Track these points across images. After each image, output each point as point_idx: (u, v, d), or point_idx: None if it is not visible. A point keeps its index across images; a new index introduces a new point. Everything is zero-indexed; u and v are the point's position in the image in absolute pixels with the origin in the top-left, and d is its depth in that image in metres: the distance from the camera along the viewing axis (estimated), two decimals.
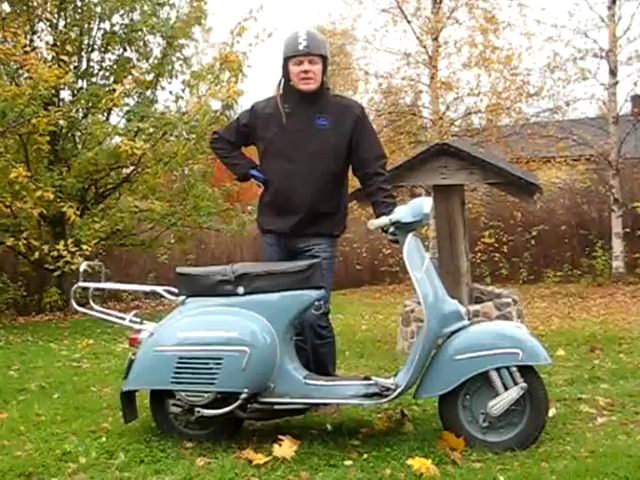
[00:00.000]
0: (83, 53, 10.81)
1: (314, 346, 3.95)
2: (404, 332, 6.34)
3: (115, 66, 10.85)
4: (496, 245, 13.73)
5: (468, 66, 13.79)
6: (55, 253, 8.93)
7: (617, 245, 12.53)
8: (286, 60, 3.94)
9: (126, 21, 10.76)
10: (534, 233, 13.69)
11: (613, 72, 12.60)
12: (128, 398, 3.69)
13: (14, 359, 6.54)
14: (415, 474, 3.00)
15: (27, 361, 6.42)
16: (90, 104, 10.18)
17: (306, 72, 3.88)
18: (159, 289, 3.88)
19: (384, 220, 3.54)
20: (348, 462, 3.20)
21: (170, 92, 11.17)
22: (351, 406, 3.93)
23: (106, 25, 10.79)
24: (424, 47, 13.88)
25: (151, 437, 3.64)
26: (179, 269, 3.78)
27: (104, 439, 3.67)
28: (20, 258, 10.96)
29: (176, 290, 3.76)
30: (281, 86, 4.03)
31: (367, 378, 3.52)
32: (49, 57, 10.06)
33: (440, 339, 3.42)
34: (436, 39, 13.73)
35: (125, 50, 10.87)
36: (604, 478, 2.89)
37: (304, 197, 3.92)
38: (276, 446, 3.29)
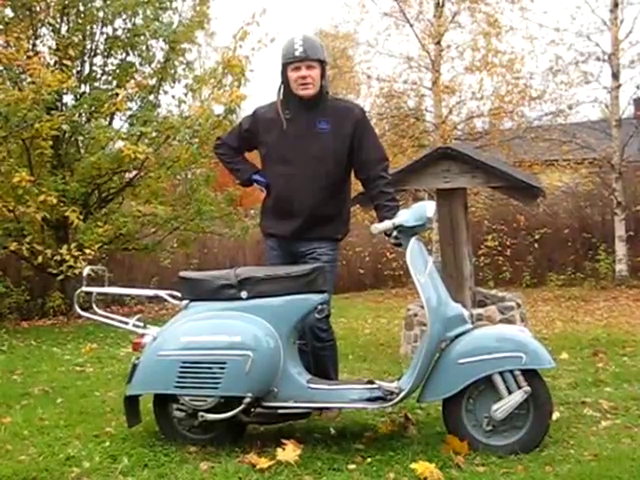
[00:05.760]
0: (86, 57, 10.80)
1: (314, 349, 3.95)
2: (407, 336, 6.33)
3: (118, 70, 10.84)
4: (499, 248, 13.73)
5: (470, 70, 13.80)
6: (58, 257, 8.93)
7: (620, 248, 12.52)
8: (284, 66, 3.95)
9: (129, 25, 10.75)
10: (537, 236, 13.68)
11: (615, 75, 12.60)
12: (132, 402, 3.69)
13: (17, 364, 6.54)
14: (419, 478, 3.00)
15: (30, 366, 6.42)
16: (93, 108, 10.17)
17: (304, 78, 3.89)
18: (162, 293, 3.89)
19: (387, 224, 3.54)
20: (352, 466, 3.20)
21: (173, 96, 11.16)
22: (355, 410, 3.93)
23: (109, 30, 10.80)
24: (426, 51, 13.89)
25: (155, 441, 3.65)
26: (182, 273, 3.79)
27: (108, 443, 3.68)
28: (23, 262, 10.95)
29: (179, 294, 3.76)
30: (281, 92, 4.05)
31: (370, 382, 3.52)
32: (52, 62, 10.06)
33: (443, 343, 3.42)
34: (438, 43, 13.74)
35: (128, 54, 10.86)
36: None
37: (305, 201, 3.93)
38: (280, 450, 3.29)
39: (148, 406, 3.82)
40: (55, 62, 9.98)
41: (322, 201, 3.95)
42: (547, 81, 13.59)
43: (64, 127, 9.21)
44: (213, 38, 23.50)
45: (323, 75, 3.97)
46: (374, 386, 3.47)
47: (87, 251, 8.92)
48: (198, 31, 11.32)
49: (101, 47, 10.86)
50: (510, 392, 3.29)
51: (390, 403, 3.40)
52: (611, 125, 12.84)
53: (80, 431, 3.95)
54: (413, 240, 3.50)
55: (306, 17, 41.22)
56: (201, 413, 3.49)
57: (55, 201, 8.78)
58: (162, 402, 3.66)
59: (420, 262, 3.46)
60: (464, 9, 13.85)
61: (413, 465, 3.07)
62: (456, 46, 14.01)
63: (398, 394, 3.37)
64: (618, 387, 4.68)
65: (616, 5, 12.48)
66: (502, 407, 3.28)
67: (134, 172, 10.64)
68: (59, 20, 10.48)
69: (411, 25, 14.01)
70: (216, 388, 3.42)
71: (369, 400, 3.44)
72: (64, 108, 10.20)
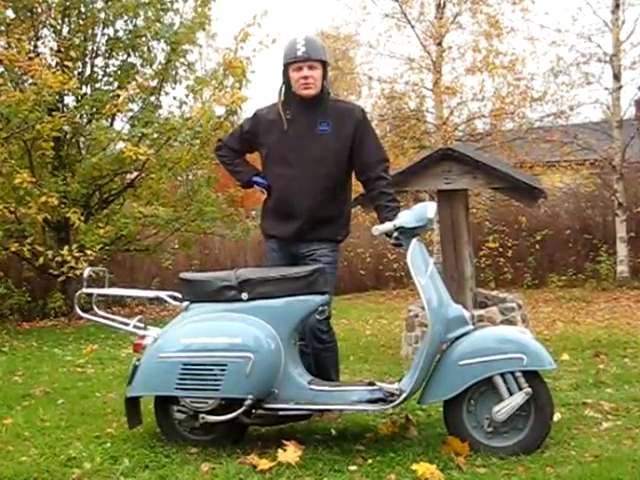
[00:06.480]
0: (87, 59, 10.81)
1: (315, 350, 3.95)
2: (408, 337, 6.33)
3: (119, 72, 10.85)
4: (500, 250, 13.71)
5: (472, 71, 13.79)
6: (59, 259, 8.92)
7: (621, 249, 12.51)
8: (286, 66, 3.96)
9: (130, 27, 10.76)
10: (538, 238, 13.67)
11: (617, 77, 12.59)
12: (132, 404, 3.69)
13: (18, 365, 6.54)
14: (420, 479, 2.99)
15: (31, 367, 6.42)
16: (94, 110, 10.18)
17: (306, 78, 3.89)
18: (163, 294, 3.88)
19: (388, 226, 3.54)
20: (353, 467, 3.20)
21: (174, 98, 11.18)
22: (355, 412, 3.92)
23: (110, 31, 10.81)
24: (428, 52, 13.88)
25: (156, 443, 3.65)
26: (183, 275, 3.79)
27: (109, 445, 3.68)
28: (24, 263, 10.96)
29: (180, 296, 3.76)
30: (282, 92, 4.05)
31: (371, 383, 3.52)
32: (53, 63, 10.07)
33: (444, 344, 3.42)
34: (440, 44, 13.73)
35: (129, 56, 10.87)
36: None
37: (305, 202, 3.94)
38: (281, 451, 3.29)
39: (149, 407, 3.82)
40: (56, 63, 9.98)
41: (323, 202, 3.95)
42: (548, 82, 13.57)
43: (65, 128, 9.23)
44: (214, 39, 23.56)
45: (325, 76, 3.97)
46: (375, 387, 3.46)
47: (88, 252, 8.92)
48: (199, 32, 11.32)
49: (102, 48, 10.87)
50: (511, 393, 3.29)
51: (391, 405, 3.40)
52: (612, 126, 12.83)
53: (81, 432, 3.96)
54: (414, 241, 3.49)
55: (307, 18, 41.27)
56: (202, 415, 3.49)
57: (56, 202, 8.79)
58: (163, 404, 3.66)
59: (421, 263, 3.46)
60: (465, 10, 13.84)
61: (414, 466, 3.07)
62: (457, 47, 14.00)
63: (399, 395, 3.37)
64: (619, 388, 4.67)
65: (617, 6, 12.47)
66: (503, 408, 3.28)
67: (135, 173, 10.65)
68: (60, 21, 10.49)
69: (412, 26, 14.01)
70: (217, 390, 3.42)
71: (370, 402, 3.44)
72: (65, 109, 10.21)
